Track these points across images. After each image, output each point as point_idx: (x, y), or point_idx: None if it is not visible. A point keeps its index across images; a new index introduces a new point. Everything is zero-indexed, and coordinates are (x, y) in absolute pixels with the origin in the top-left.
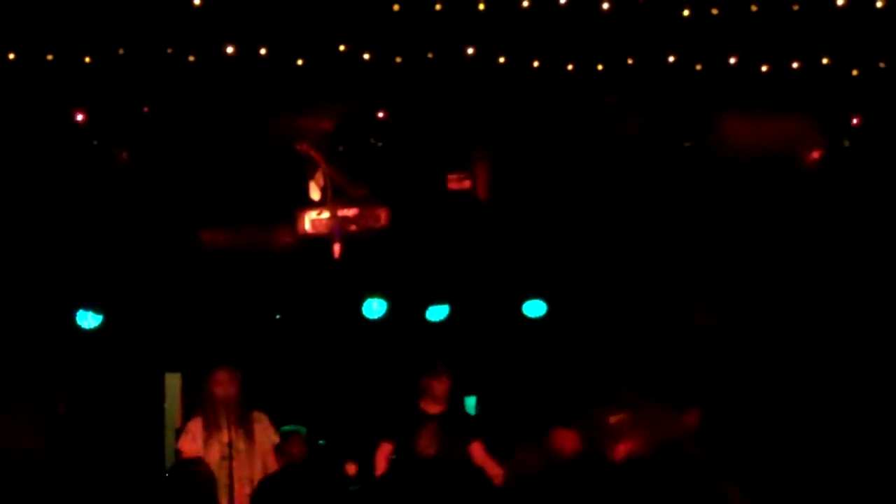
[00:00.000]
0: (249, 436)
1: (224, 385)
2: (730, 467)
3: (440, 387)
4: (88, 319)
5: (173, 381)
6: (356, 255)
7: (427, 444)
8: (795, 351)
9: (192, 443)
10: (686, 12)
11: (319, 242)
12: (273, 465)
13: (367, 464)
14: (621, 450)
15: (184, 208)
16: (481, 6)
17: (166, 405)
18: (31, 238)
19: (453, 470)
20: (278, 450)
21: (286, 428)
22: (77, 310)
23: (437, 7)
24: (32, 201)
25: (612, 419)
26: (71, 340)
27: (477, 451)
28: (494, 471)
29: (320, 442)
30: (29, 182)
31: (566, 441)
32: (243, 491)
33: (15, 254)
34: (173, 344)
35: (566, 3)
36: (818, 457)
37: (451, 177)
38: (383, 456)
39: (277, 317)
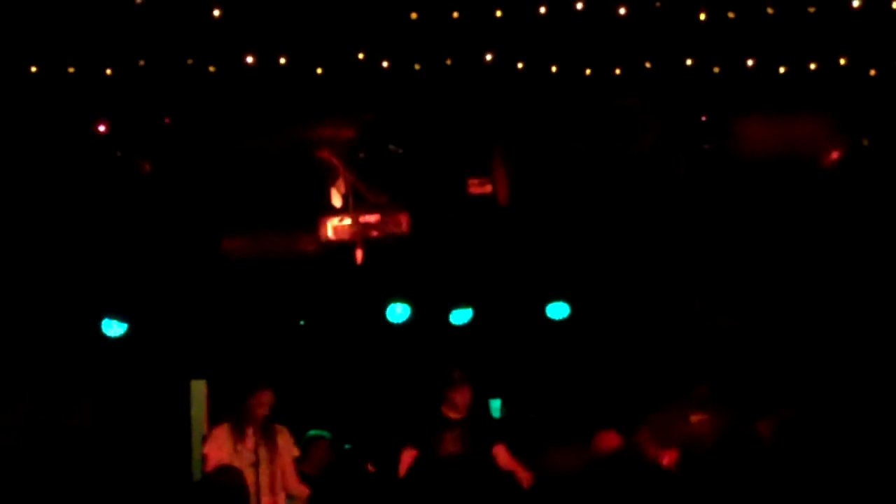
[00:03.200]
0: (273, 446)
1: (265, 406)
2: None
3: (461, 397)
4: (114, 328)
5: (199, 389)
6: (379, 261)
7: (450, 448)
8: (816, 351)
9: (217, 449)
10: (703, 16)
11: (342, 249)
12: (292, 478)
13: (391, 468)
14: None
15: (207, 217)
16: (499, 13)
17: (192, 412)
18: (57, 248)
19: (480, 469)
20: (299, 461)
21: (312, 433)
22: (102, 318)
23: (455, 14)
24: (58, 212)
25: (695, 418)
26: (96, 349)
27: (501, 454)
28: (522, 474)
29: (346, 447)
30: (54, 193)
31: (609, 442)
32: (266, 500)
33: (41, 264)
34: (198, 351)
35: (583, 9)
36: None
37: (471, 181)
38: (407, 461)
39: (301, 323)
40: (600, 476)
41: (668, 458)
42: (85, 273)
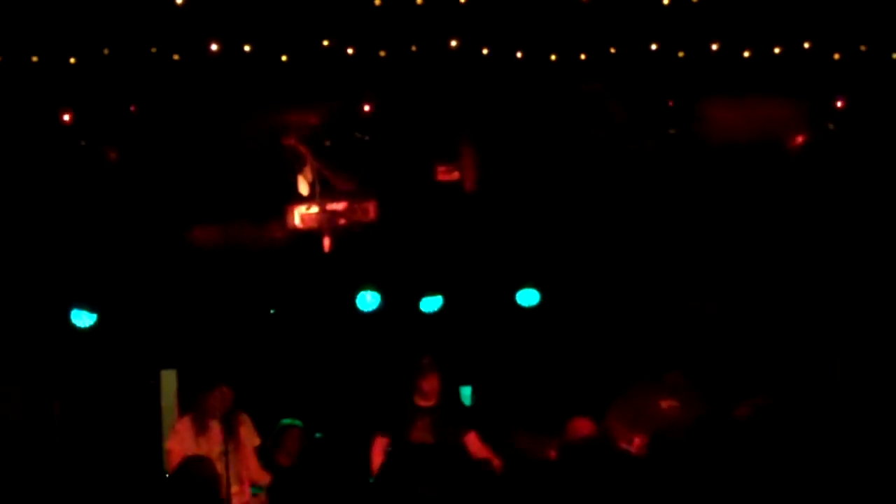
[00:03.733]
0: (235, 437)
1: (223, 402)
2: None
3: (429, 385)
4: (83, 318)
5: (170, 379)
6: (347, 249)
7: (421, 436)
8: (786, 337)
9: (180, 443)
10: (666, 0)
11: (311, 237)
12: (254, 465)
13: (362, 456)
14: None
15: (174, 206)
16: None
17: (163, 403)
18: (24, 239)
19: (452, 455)
20: (272, 449)
21: (285, 422)
22: (71, 309)
23: (419, 1)
24: (23, 202)
25: (665, 404)
26: (66, 339)
27: (472, 441)
28: (493, 461)
29: (317, 435)
30: (19, 183)
31: (582, 429)
32: (234, 489)
33: (8, 254)
34: (168, 341)
35: None
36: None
37: (439, 168)
38: (379, 449)
39: (272, 312)
40: (570, 462)
41: (636, 444)
42: (53, 263)
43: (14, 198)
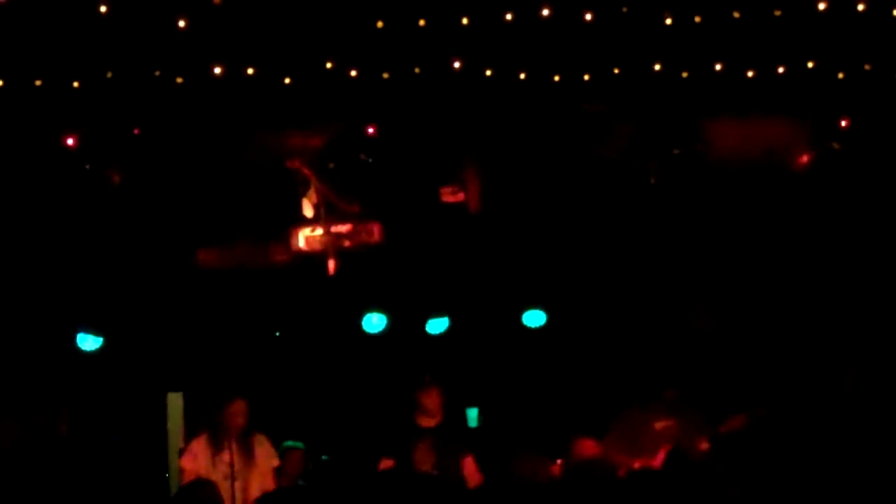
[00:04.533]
0: (250, 457)
1: (239, 416)
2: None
3: (430, 401)
4: (89, 342)
5: (176, 401)
6: (352, 271)
7: (422, 459)
8: (791, 353)
9: (193, 461)
10: (669, 20)
11: (316, 259)
12: (272, 487)
13: (367, 478)
14: (663, 457)
15: (179, 229)
16: (465, 20)
17: (169, 425)
18: (29, 262)
19: (442, 487)
20: (278, 471)
21: (287, 444)
22: (77, 332)
23: (422, 22)
24: (30, 227)
25: (659, 425)
26: (72, 363)
27: (468, 465)
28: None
29: (323, 458)
30: (26, 208)
31: (587, 449)
32: None
33: (14, 278)
34: (175, 364)
35: (549, 15)
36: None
37: (444, 190)
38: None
39: (277, 334)
40: (574, 483)
41: (638, 465)
42: (59, 287)
43: (19, 222)
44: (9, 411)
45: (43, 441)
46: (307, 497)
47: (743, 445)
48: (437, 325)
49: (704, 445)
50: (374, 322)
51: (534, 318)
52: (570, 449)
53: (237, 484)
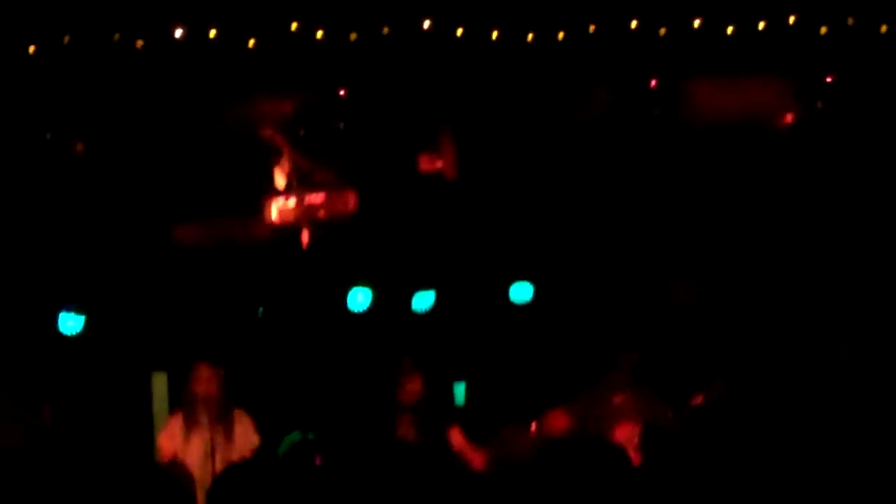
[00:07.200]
0: (230, 434)
1: (205, 382)
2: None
3: (411, 386)
4: (70, 323)
5: (161, 382)
6: (331, 243)
7: (405, 432)
8: (775, 324)
9: (170, 440)
10: None
11: (294, 232)
12: None
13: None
14: (623, 430)
15: (153, 203)
16: None
17: (154, 406)
18: (6, 243)
19: (434, 453)
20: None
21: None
22: (58, 313)
23: None
24: (3, 206)
25: (617, 399)
26: (54, 344)
27: (455, 436)
28: (473, 456)
29: (309, 436)
30: None
31: (557, 422)
32: None
33: None
34: (158, 343)
35: None
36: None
37: (422, 157)
38: None
39: (260, 311)
40: (550, 461)
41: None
42: (38, 269)
43: None
44: None
45: (26, 424)
46: (277, 470)
47: (716, 416)
48: (422, 300)
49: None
50: (360, 300)
51: (521, 292)
52: (543, 421)
53: (217, 458)
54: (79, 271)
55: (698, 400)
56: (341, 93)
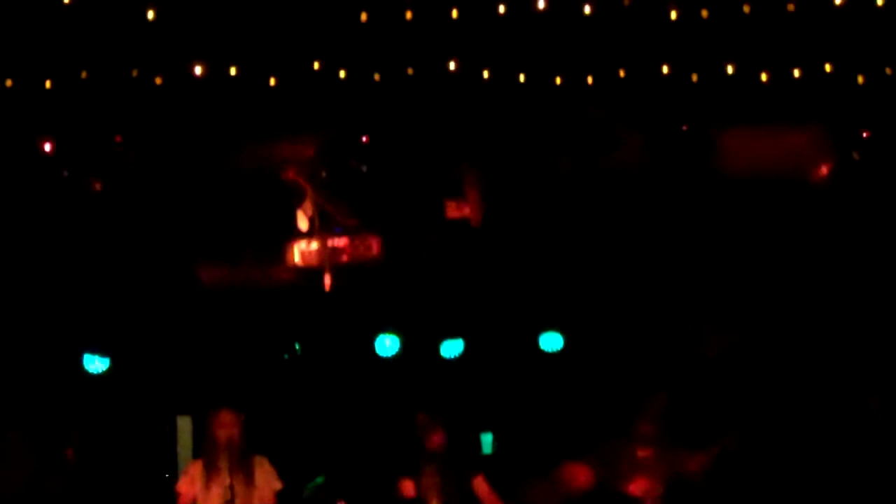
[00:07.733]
0: (250, 479)
1: (227, 427)
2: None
3: (436, 438)
4: (95, 363)
5: (185, 425)
6: (357, 289)
7: (430, 480)
8: (809, 372)
9: (190, 485)
10: (674, 14)
11: (319, 277)
12: None
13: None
14: (641, 484)
15: (177, 244)
16: (454, 13)
17: (179, 449)
18: (32, 284)
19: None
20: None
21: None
22: (83, 354)
23: (408, 15)
24: (29, 248)
25: (641, 453)
26: (79, 385)
27: (480, 485)
28: None
29: (318, 480)
30: (23, 228)
31: (579, 476)
32: None
33: (16, 300)
34: (183, 386)
35: (545, 8)
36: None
37: (449, 203)
38: (408, 492)
39: (286, 357)
40: None
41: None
42: (63, 309)
43: (20, 244)
44: (17, 438)
45: (50, 466)
46: None
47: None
48: (451, 348)
49: (695, 464)
50: (388, 345)
51: (551, 342)
52: (563, 475)
53: None
54: (103, 313)
55: (715, 451)
56: (364, 137)
